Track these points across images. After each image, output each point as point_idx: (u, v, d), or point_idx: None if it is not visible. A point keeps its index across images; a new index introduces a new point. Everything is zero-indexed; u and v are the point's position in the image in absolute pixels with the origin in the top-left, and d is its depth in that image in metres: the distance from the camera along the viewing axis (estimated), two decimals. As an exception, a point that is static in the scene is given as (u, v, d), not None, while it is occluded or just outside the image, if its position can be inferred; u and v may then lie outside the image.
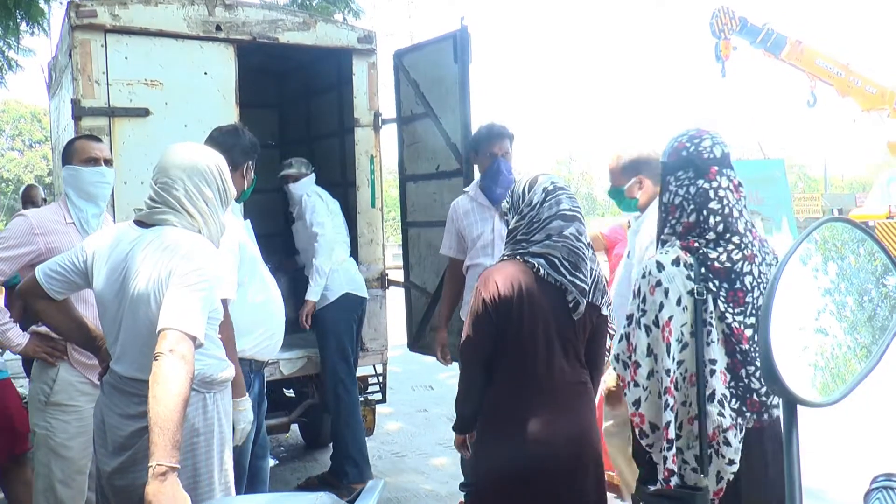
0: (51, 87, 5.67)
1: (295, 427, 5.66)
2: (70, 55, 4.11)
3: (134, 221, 2.53)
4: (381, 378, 5.08)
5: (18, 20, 8.42)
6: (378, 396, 5.08)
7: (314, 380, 4.94)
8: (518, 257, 2.59)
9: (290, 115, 6.67)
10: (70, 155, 3.32)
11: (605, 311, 2.66)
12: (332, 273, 4.70)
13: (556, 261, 2.54)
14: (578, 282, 2.52)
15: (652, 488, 2.19)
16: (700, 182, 2.20)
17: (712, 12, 16.95)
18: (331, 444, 5.29)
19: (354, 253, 4.96)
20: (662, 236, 2.29)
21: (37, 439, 3.23)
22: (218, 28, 4.36)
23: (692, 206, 2.20)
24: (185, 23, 4.27)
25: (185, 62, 4.31)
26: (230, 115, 4.39)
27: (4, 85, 8.93)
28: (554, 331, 2.55)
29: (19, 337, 3.18)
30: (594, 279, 2.58)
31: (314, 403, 5.01)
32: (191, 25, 4.29)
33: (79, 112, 4.05)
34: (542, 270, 2.53)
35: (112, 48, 4.11)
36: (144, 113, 4.19)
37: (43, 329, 3.15)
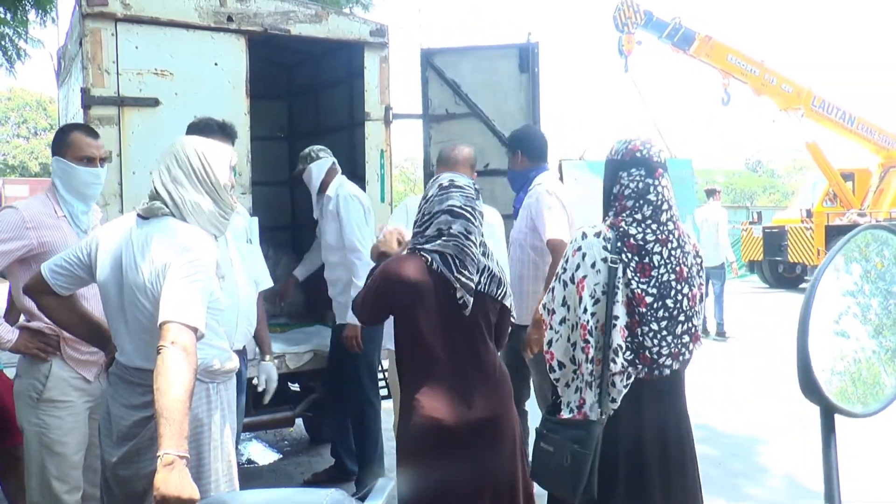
0: (60, 75, 5.65)
1: (299, 421, 5.63)
2: (80, 44, 4.09)
3: (137, 213, 2.54)
4: (387, 374, 5.05)
5: (27, 8, 8.40)
6: (384, 392, 5.05)
7: (320, 375, 4.92)
8: (416, 251, 2.78)
9: (299, 108, 6.63)
10: (64, 147, 3.19)
11: (506, 303, 2.90)
12: None
13: (448, 258, 2.72)
14: (464, 279, 2.72)
15: (559, 417, 2.57)
16: (648, 179, 2.62)
17: (616, 6, 16.35)
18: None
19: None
20: (605, 217, 2.71)
21: (27, 436, 3.15)
22: (229, 19, 4.33)
23: (634, 195, 2.62)
24: (196, 13, 4.24)
25: (196, 52, 4.27)
26: (240, 106, 4.37)
27: (13, 74, 8.90)
28: (451, 321, 2.75)
29: (9, 333, 3.09)
30: (489, 275, 2.81)
31: (319, 398, 4.99)
32: (202, 16, 4.25)
33: (88, 101, 4.02)
34: (434, 264, 2.72)
35: (122, 37, 4.07)
36: (154, 103, 4.17)
37: (34, 324, 3.10)
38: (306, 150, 4.79)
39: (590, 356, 2.52)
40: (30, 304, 3.06)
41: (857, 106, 18.38)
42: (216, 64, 4.33)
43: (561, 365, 2.61)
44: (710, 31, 17.31)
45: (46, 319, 3.01)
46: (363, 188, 4.92)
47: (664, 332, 2.56)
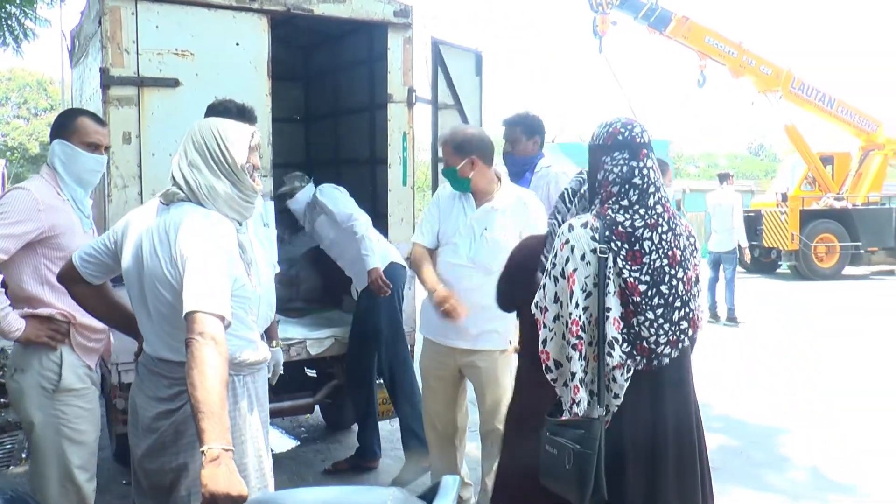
0: (74, 55, 5.54)
1: (316, 407, 5.56)
2: (99, 22, 3.98)
3: (160, 199, 2.47)
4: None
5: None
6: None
7: (341, 361, 4.85)
8: None
9: (317, 90, 6.51)
10: (70, 131, 3.09)
11: None
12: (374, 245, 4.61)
13: None
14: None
15: (559, 418, 2.49)
16: (632, 162, 2.52)
17: None
18: (354, 426, 5.24)
19: (384, 232, 4.84)
20: (591, 206, 2.62)
21: (40, 430, 3.00)
22: (252, -2, 4.22)
23: (619, 180, 2.52)
24: (217, -9, 4.14)
25: (217, 32, 4.17)
26: (262, 87, 4.28)
27: (20, 53, 8.73)
28: None
29: (18, 321, 2.93)
30: None
31: (339, 385, 4.93)
32: (224, -6, 4.15)
33: (107, 81, 3.93)
34: None
35: (142, 16, 3.97)
36: (174, 83, 4.07)
37: (43, 311, 2.98)
38: (297, 173, 5.21)
39: (582, 353, 2.43)
40: (33, 290, 2.98)
41: (838, 90, 18.09)
42: (238, 44, 4.23)
43: (557, 364, 2.51)
44: (688, 12, 16.88)
45: (58, 305, 2.94)
46: (385, 171, 4.85)
47: (661, 321, 2.47)
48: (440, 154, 4.05)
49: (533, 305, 2.62)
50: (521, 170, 4.49)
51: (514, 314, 3.57)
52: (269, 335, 3.75)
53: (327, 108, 6.30)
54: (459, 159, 3.76)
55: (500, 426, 3.75)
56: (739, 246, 10.81)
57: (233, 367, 2.39)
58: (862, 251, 17.01)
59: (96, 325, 3.05)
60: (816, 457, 5.22)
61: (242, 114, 3.53)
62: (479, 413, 3.96)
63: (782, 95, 17.33)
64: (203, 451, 1.97)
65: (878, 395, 6.75)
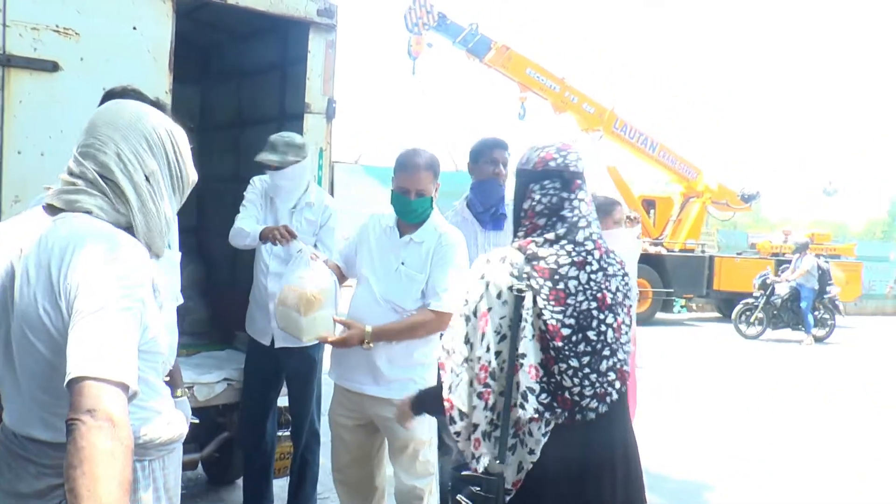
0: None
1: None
2: (-49, -16, 3.22)
3: (43, 206, 1.74)
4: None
5: None
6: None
7: (233, 409, 4.16)
8: None
9: (217, 96, 5.76)
10: None
11: None
12: None
13: None
14: None
15: (463, 472, 2.29)
16: (563, 193, 2.32)
17: (408, 5, 15.60)
18: (240, 482, 4.55)
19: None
20: (514, 239, 2.40)
21: None
22: (155, -24, 3.56)
23: (547, 212, 2.32)
24: (112, -38, 3.46)
25: (110, 12, 3.48)
26: (161, 82, 3.60)
27: None
28: None
29: None
30: None
31: (230, 437, 4.23)
32: (120, -34, 3.47)
33: (-40, 56, 3.17)
34: None
35: (12, -21, 3.25)
36: (52, 67, 3.34)
37: None
38: (301, 139, 3.98)
39: (488, 403, 2.22)
40: None
41: (662, 127, 18.54)
42: (135, 28, 3.55)
43: (462, 415, 2.25)
44: (511, 41, 16.61)
45: None
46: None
47: (586, 370, 2.21)
48: (400, 183, 3.33)
49: (441, 347, 2.36)
50: (502, 197, 3.92)
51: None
52: (172, 383, 3.05)
53: (229, 117, 5.57)
54: (434, 187, 3.34)
55: (419, 484, 3.36)
56: None
57: (137, 450, 1.65)
58: (674, 298, 17.14)
59: None
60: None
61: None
62: (395, 470, 3.47)
63: (603, 135, 17.41)
64: None
65: (776, 444, 6.77)
